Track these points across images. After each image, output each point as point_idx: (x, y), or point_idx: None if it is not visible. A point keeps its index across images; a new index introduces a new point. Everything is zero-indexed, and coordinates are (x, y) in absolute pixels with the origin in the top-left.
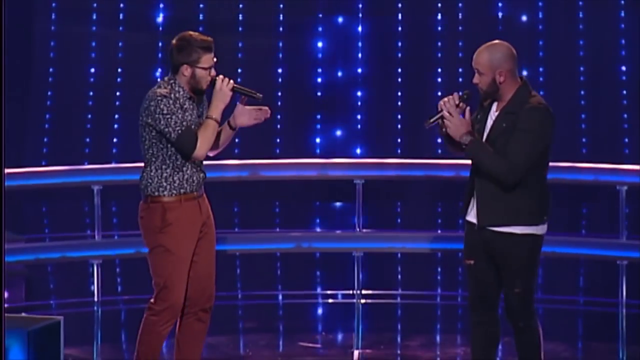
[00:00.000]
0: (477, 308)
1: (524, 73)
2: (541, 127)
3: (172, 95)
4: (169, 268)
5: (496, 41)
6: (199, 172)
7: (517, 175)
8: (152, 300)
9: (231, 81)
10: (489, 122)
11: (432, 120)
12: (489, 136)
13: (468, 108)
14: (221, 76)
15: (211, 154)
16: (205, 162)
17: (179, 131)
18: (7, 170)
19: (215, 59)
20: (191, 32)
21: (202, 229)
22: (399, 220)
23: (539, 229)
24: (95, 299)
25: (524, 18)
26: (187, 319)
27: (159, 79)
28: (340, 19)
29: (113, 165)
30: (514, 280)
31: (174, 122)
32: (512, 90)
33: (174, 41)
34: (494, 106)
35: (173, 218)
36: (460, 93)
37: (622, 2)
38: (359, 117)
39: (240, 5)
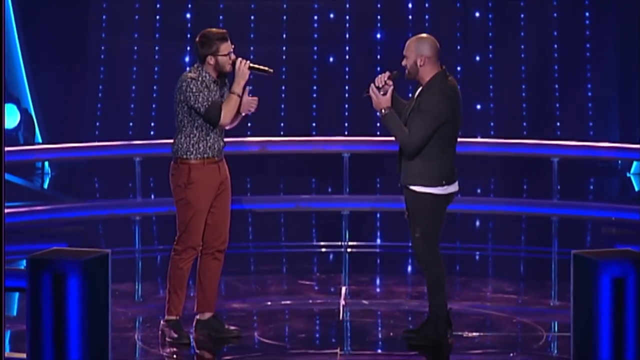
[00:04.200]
0: None
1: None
2: (436, 109)
3: (200, 78)
4: (190, 217)
5: (424, 34)
6: (220, 141)
7: (413, 146)
8: (175, 242)
9: (248, 62)
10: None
11: (366, 92)
12: (409, 113)
13: (392, 88)
14: (240, 59)
15: (231, 125)
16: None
17: (206, 105)
18: (68, 145)
19: (232, 46)
20: (209, 29)
21: (220, 187)
22: (378, 186)
23: (437, 190)
24: (136, 247)
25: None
26: (206, 258)
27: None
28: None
29: (151, 141)
30: (416, 228)
31: (201, 98)
32: (430, 76)
33: (197, 38)
34: (419, 90)
35: (197, 177)
36: (391, 73)
37: (555, 15)
38: (347, 95)
39: (252, 17)
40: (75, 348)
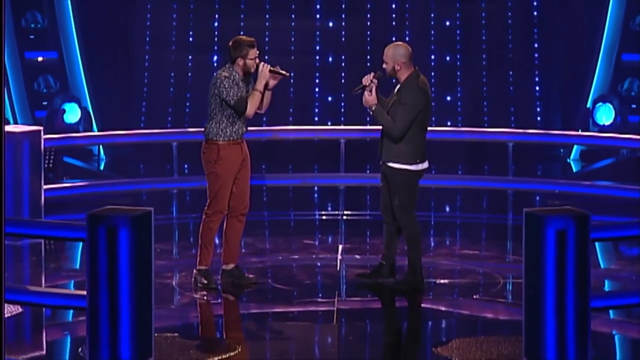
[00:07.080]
0: (384, 213)
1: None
2: (414, 101)
3: (231, 77)
4: (218, 186)
5: (399, 42)
6: (243, 126)
7: (398, 133)
8: (206, 207)
9: (269, 65)
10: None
11: (356, 89)
12: (392, 106)
13: (375, 86)
14: (262, 62)
15: (261, 111)
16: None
17: (235, 99)
18: (118, 132)
19: (257, 52)
20: (241, 36)
21: (242, 163)
22: (368, 166)
23: (412, 167)
24: (174, 215)
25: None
26: (231, 220)
27: (214, 74)
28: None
29: (185, 129)
30: (395, 197)
31: (232, 93)
32: (406, 75)
33: (230, 43)
34: (398, 87)
35: (224, 154)
36: (375, 73)
37: (510, 30)
38: (342, 95)
39: (267, 24)
40: (125, 288)
